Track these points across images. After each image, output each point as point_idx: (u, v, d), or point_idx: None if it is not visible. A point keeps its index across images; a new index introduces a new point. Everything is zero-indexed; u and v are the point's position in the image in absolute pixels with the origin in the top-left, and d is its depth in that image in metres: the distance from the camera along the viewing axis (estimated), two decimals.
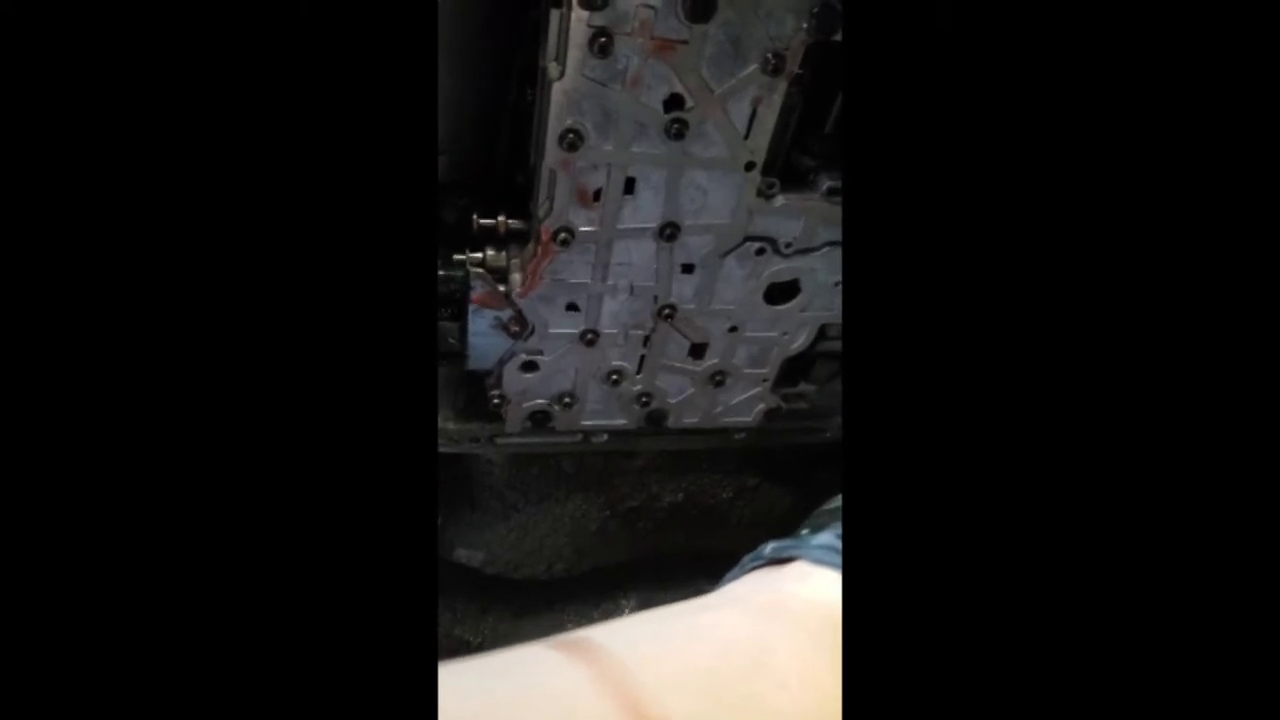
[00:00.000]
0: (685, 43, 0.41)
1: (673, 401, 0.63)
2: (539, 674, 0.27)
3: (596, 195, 0.47)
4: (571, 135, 0.44)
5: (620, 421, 0.63)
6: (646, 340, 0.57)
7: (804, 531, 0.36)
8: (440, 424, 0.61)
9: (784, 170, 0.50)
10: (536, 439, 0.63)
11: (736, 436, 0.68)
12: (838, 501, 0.39)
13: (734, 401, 0.64)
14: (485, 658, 0.27)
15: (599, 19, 0.40)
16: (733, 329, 0.58)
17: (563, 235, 0.48)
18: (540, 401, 0.60)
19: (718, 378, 0.61)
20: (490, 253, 0.51)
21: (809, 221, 0.52)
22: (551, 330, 0.55)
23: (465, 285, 0.51)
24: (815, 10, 0.41)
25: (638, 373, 0.60)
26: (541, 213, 0.48)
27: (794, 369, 0.65)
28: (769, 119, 0.46)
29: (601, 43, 0.40)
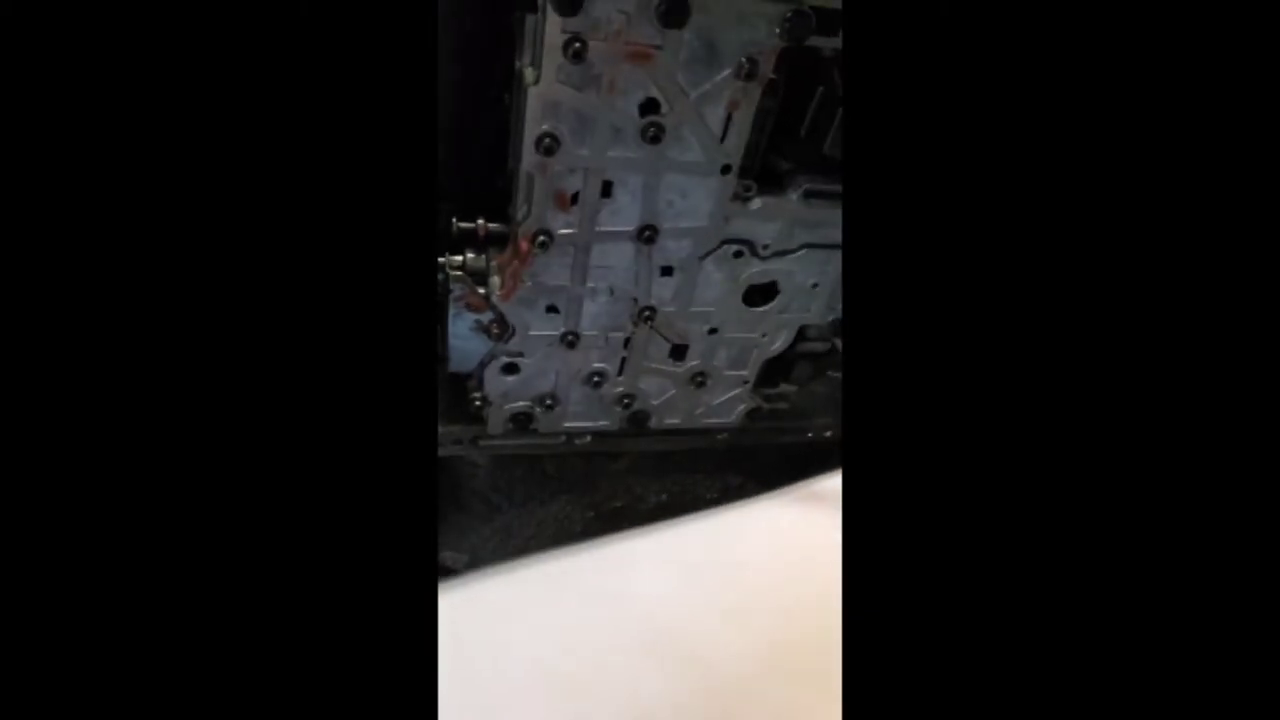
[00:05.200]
0: (659, 48, 0.42)
1: (654, 403, 0.63)
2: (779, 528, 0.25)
3: (574, 199, 0.47)
4: (548, 140, 0.44)
5: (603, 423, 0.64)
6: (627, 342, 0.58)
7: None
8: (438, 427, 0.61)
9: (760, 173, 0.50)
10: (519, 441, 0.64)
11: (719, 437, 0.69)
12: None
13: (715, 402, 0.65)
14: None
15: (573, 25, 0.40)
16: (712, 331, 0.58)
17: (541, 238, 0.49)
18: (522, 403, 0.60)
19: (699, 379, 0.62)
20: (470, 256, 0.51)
21: (786, 224, 0.53)
22: (532, 332, 0.55)
23: (445, 288, 0.52)
24: (788, 16, 0.42)
25: (619, 374, 0.60)
26: (520, 216, 0.48)
27: (774, 370, 0.66)
28: (744, 123, 0.46)
29: (576, 48, 0.41)
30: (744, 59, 0.43)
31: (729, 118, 0.46)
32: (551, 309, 0.54)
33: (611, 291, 0.54)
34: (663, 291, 0.54)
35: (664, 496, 0.79)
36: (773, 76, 0.44)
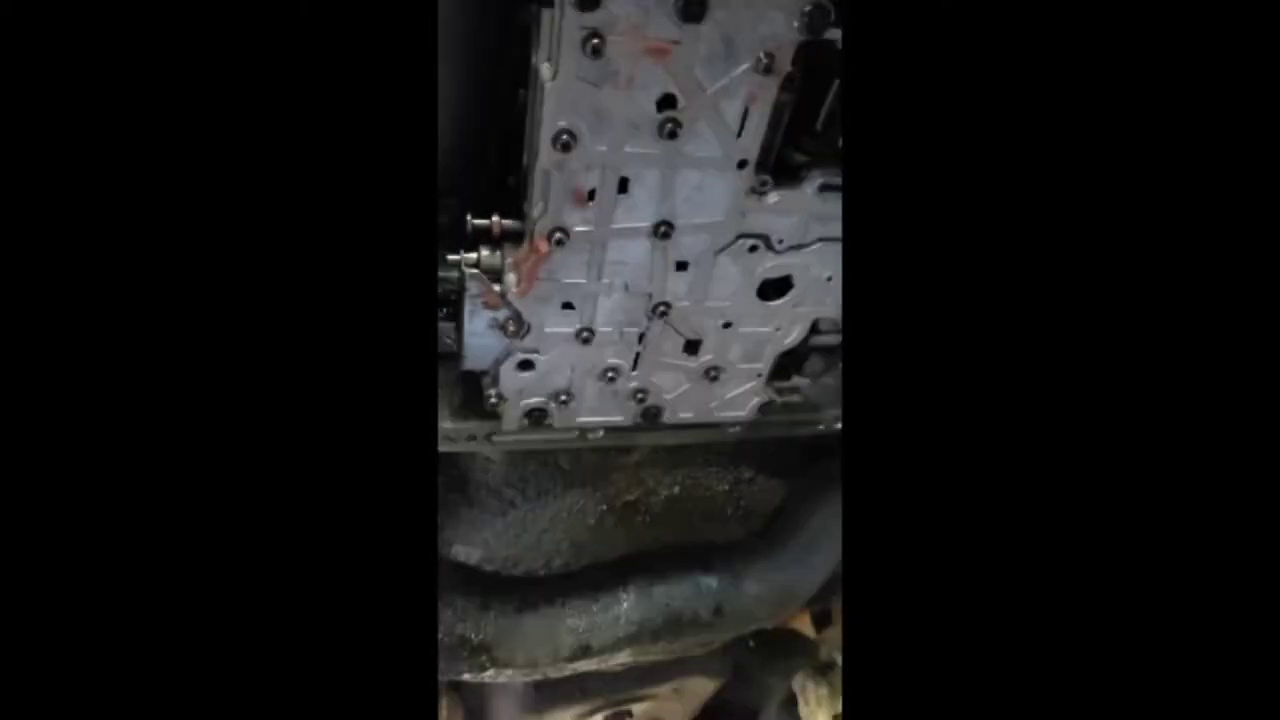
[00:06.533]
0: (678, 43, 0.41)
1: (668, 397, 0.63)
2: None
3: (591, 195, 0.47)
4: (565, 136, 0.44)
5: (616, 418, 0.64)
6: (642, 338, 0.58)
7: None
8: (438, 423, 0.61)
9: (776, 168, 0.50)
10: (533, 436, 0.64)
11: (731, 430, 0.69)
12: None
13: (729, 396, 0.65)
14: None
15: (592, 20, 0.40)
16: (727, 325, 0.58)
17: (557, 235, 0.48)
18: (537, 399, 0.60)
19: (712, 373, 0.62)
20: (485, 253, 0.51)
21: (801, 218, 0.52)
22: (547, 329, 0.55)
23: (460, 286, 0.52)
24: (806, 10, 0.41)
25: (633, 370, 0.60)
26: (536, 213, 0.48)
27: (787, 363, 0.66)
28: (761, 117, 0.46)
29: (594, 44, 0.40)
30: (762, 53, 0.43)
31: (746, 112, 0.45)
32: (567, 305, 0.54)
33: (626, 287, 0.54)
34: (678, 287, 0.54)
35: (676, 489, 0.79)
36: (790, 70, 0.44)
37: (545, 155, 0.45)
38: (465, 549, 0.78)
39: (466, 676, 0.74)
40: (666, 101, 0.44)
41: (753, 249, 0.53)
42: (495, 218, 0.50)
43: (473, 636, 0.70)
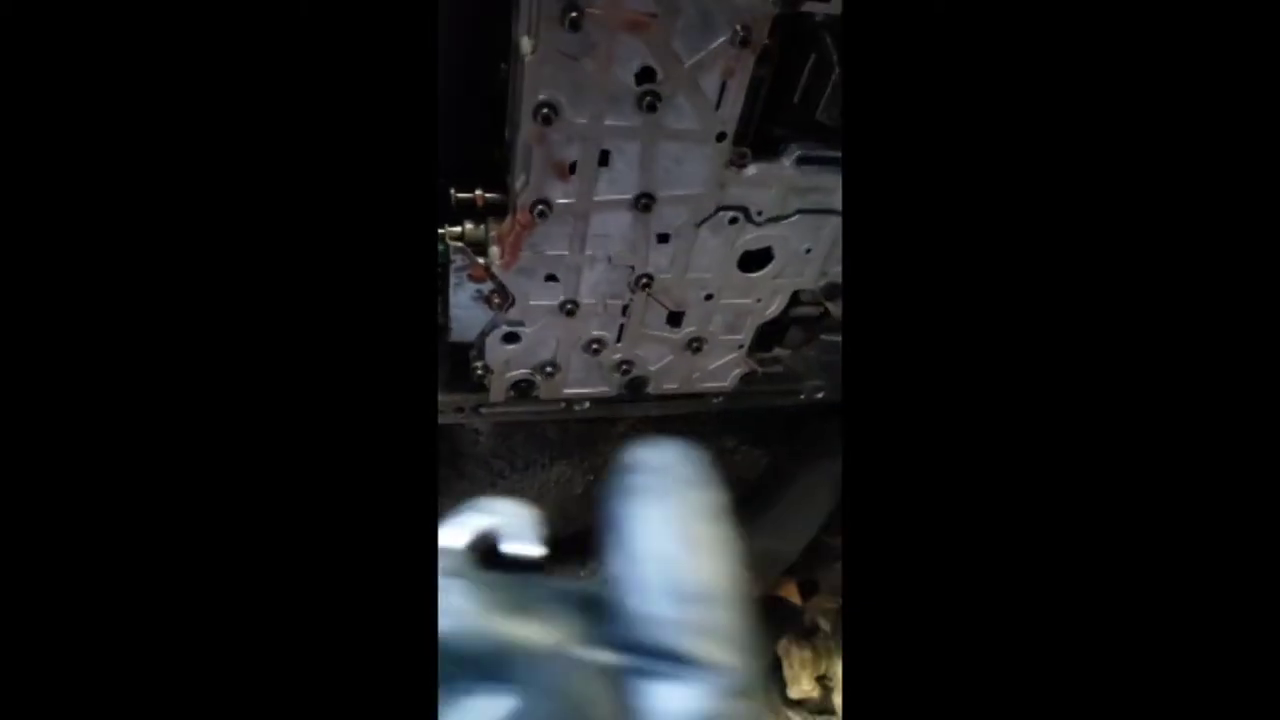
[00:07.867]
0: (655, 16, 0.42)
1: (652, 369, 0.64)
2: None
3: (572, 168, 0.48)
4: (545, 109, 0.44)
5: (602, 389, 0.65)
6: (625, 310, 0.59)
7: None
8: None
9: (755, 140, 0.51)
10: (520, 408, 0.65)
11: (714, 401, 0.71)
12: None
13: (711, 367, 0.66)
14: None
15: None
16: (709, 297, 0.60)
17: (540, 208, 0.49)
18: (523, 371, 0.61)
19: (695, 344, 0.63)
20: (469, 226, 0.52)
21: (780, 190, 0.53)
22: (532, 301, 0.56)
23: (445, 259, 0.52)
24: None
25: (618, 341, 0.61)
26: (518, 186, 0.48)
27: (769, 334, 0.67)
28: (739, 90, 0.47)
29: (572, 17, 0.41)
30: (738, 26, 0.43)
31: (724, 85, 0.46)
32: (551, 278, 0.55)
33: (609, 260, 0.54)
34: (660, 259, 0.55)
35: None
36: (766, 43, 0.45)
37: (526, 128, 0.45)
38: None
39: None
40: (645, 75, 0.44)
41: (733, 221, 0.54)
42: (478, 191, 0.51)
43: None
